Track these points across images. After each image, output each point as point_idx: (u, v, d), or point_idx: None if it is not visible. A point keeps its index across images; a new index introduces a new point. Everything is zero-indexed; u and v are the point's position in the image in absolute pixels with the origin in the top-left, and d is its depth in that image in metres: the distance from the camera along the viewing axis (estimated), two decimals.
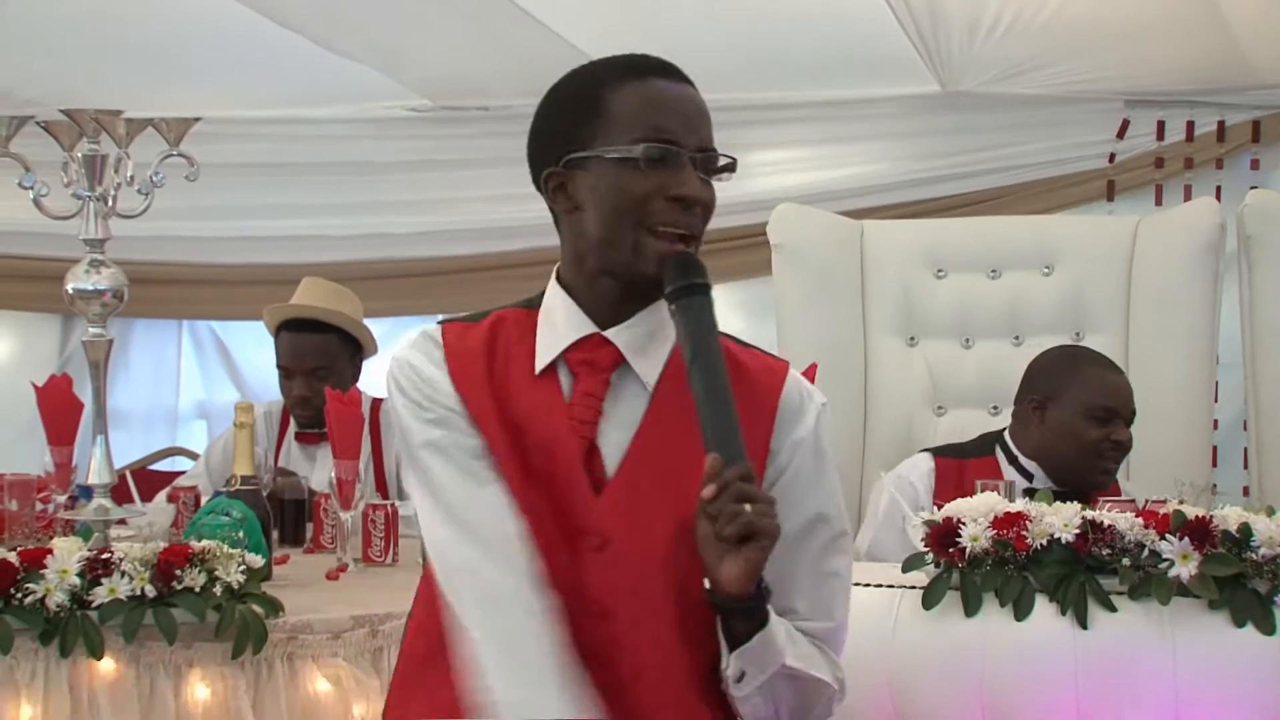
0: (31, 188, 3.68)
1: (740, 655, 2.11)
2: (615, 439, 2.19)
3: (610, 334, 2.21)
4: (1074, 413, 3.99)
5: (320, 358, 4.79)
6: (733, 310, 6.00)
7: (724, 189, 6.62)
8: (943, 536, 2.91)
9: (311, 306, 4.83)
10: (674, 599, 2.17)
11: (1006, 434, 4.19)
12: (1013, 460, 4.11)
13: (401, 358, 2.28)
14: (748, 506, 2.03)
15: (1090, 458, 3.97)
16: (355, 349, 4.86)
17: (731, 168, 2.24)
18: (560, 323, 2.23)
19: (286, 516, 4.35)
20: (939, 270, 4.76)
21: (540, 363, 2.23)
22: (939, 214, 5.68)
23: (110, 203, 3.75)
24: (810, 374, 3.38)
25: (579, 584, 2.16)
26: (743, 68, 5.68)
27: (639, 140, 2.17)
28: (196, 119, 3.92)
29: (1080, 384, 4.03)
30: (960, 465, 4.11)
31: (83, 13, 4.94)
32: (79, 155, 3.71)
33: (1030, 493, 3.13)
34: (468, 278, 6.23)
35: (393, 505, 4.05)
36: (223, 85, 5.79)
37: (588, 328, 2.22)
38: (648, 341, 2.22)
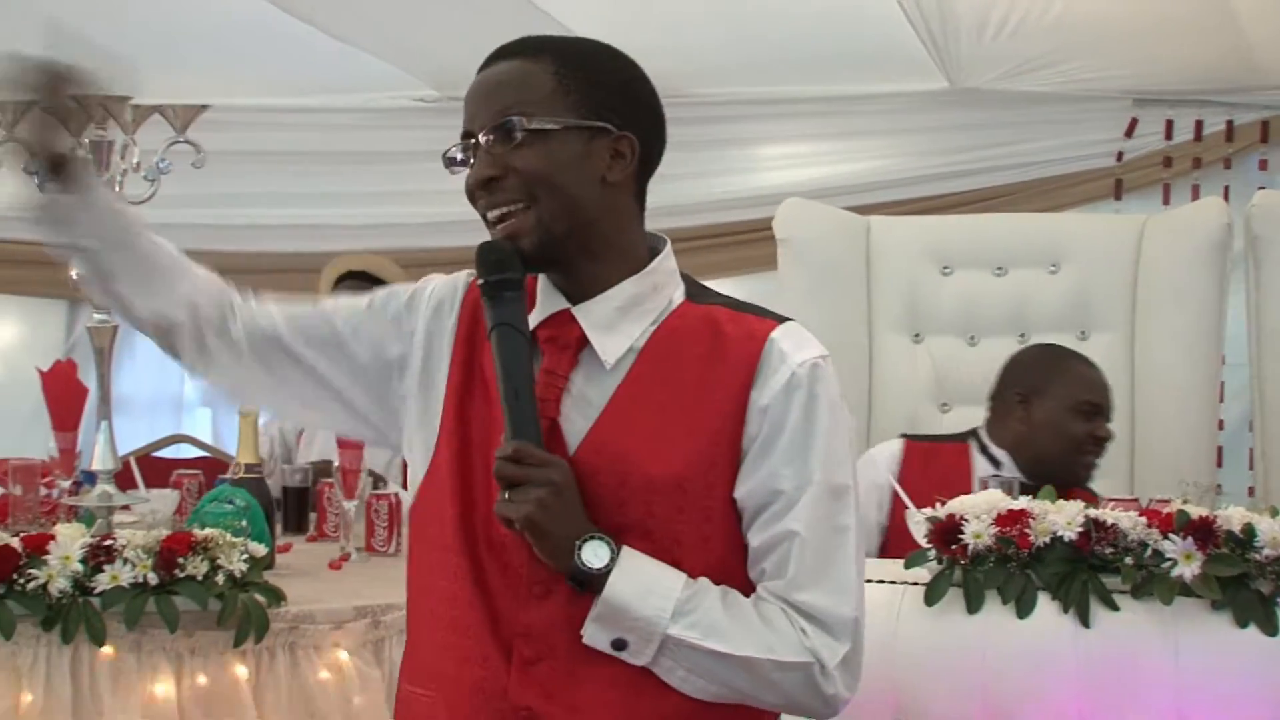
0: (37, 173, 3.68)
1: (593, 620, 2.01)
2: (578, 418, 2.09)
3: (578, 309, 2.12)
4: (1060, 407, 4.01)
5: None
6: None
7: (731, 183, 6.65)
8: (945, 533, 2.90)
9: (375, 259, 4.93)
10: None
11: (981, 426, 4.19)
12: (983, 450, 4.12)
13: (438, 276, 2.27)
14: (505, 493, 1.99)
15: (1073, 452, 3.99)
16: None
17: (506, 128, 2.05)
18: (537, 297, 2.16)
19: (289, 505, 4.35)
20: (945, 267, 4.75)
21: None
22: (946, 210, 5.68)
23: (117, 189, 3.75)
24: None
25: (524, 563, 2.06)
26: (751, 62, 5.69)
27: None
28: (204, 106, 3.92)
29: (1066, 379, 4.05)
30: (928, 449, 4.14)
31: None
32: (86, 141, 3.71)
33: (1027, 489, 3.12)
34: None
35: (396, 495, 4.05)
36: (231, 73, 5.79)
37: (558, 304, 2.13)
38: (618, 317, 2.11)
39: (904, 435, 4.26)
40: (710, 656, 2.01)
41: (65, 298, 6.48)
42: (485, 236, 6.35)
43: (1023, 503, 2.94)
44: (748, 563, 2.08)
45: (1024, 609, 2.85)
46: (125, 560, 3.13)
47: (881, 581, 2.95)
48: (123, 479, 3.68)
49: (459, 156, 2.12)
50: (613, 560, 1.99)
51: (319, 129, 6.21)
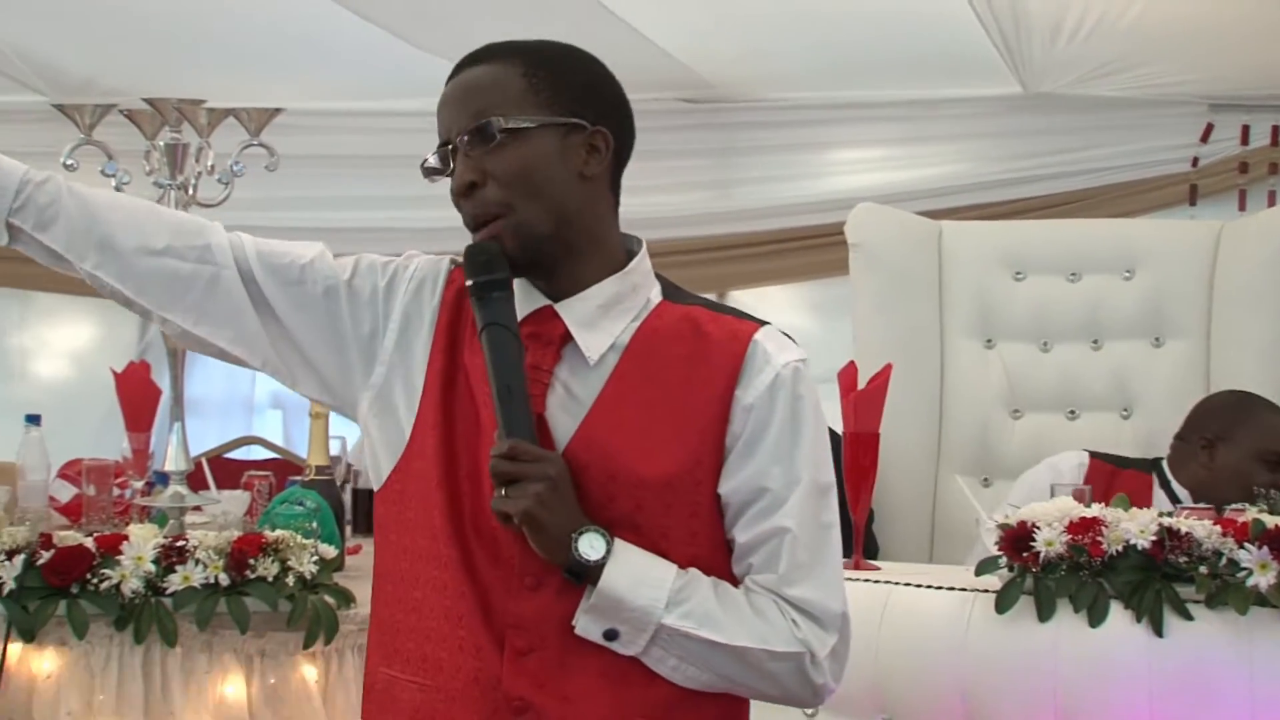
0: (114, 175, 3.71)
1: (585, 611, 2.04)
2: (564, 414, 2.11)
3: (561, 305, 2.14)
4: (1245, 456, 3.98)
5: None
6: (808, 310, 6.00)
7: (803, 187, 6.62)
8: (1017, 540, 2.89)
9: None
10: None
11: (1164, 461, 4.18)
12: (1165, 484, 4.11)
13: (421, 256, 2.27)
14: (503, 490, 2.01)
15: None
16: None
17: (483, 130, 2.08)
18: (518, 294, 2.15)
19: (359, 506, 4.37)
20: (1018, 272, 4.73)
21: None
22: (1019, 216, 5.64)
23: (190, 191, 3.78)
24: (885, 375, 3.36)
25: (515, 555, 2.08)
26: (824, 67, 5.67)
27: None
28: (278, 110, 3.95)
29: (1254, 428, 4.02)
30: (1112, 471, 4.12)
31: (165, 3, 4.97)
32: (161, 144, 3.75)
33: None
34: None
35: None
36: (304, 77, 5.82)
37: (539, 301, 2.15)
38: (600, 315, 2.13)
39: (1089, 450, 4.23)
40: (704, 645, 2.04)
41: None
42: None
43: (1095, 510, 2.92)
44: (733, 557, 2.11)
45: (1096, 618, 2.83)
46: (197, 561, 3.16)
47: (951, 589, 2.94)
48: (195, 480, 3.70)
49: (437, 165, 2.16)
50: (608, 552, 2.03)
51: (391, 133, 6.21)
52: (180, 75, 5.03)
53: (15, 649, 3.18)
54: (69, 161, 3.75)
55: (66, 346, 6.80)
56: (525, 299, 2.14)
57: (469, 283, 2.09)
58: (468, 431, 2.14)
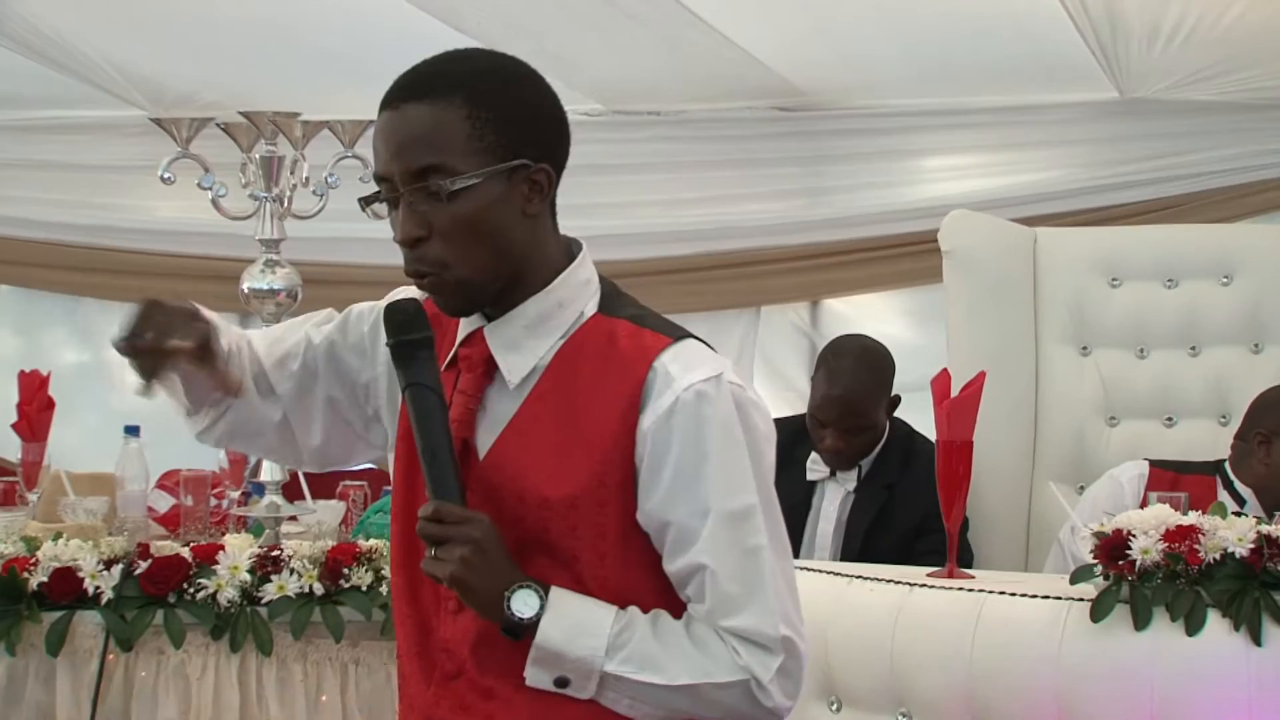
0: (210, 188, 3.76)
1: (531, 664, 2.03)
2: (489, 436, 2.10)
3: (488, 329, 2.12)
4: None
5: None
6: (901, 317, 5.96)
7: (895, 195, 6.60)
8: (1112, 548, 2.86)
9: None
10: None
11: (1226, 463, 4.15)
12: (1228, 485, 4.08)
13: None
14: (432, 550, 2.02)
15: None
16: None
17: (428, 188, 2.02)
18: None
19: None
20: (1114, 279, 4.69)
21: (445, 357, 2.17)
22: (1115, 222, 5.59)
23: (286, 203, 3.82)
24: (978, 383, 3.34)
25: (435, 588, 2.11)
26: (918, 74, 5.65)
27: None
28: (371, 122, 3.97)
29: None
30: (1174, 478, 4.08)
31: (261, 17, 5.03)
32: (256, 157, 3.79)
33: None
34: (638, 282, 6.21)
35: None
36: None
37: (477, 322, 2.13)
38: (524, 335, 2.10)
39: (1149, 459, 4.21)
40: (649, 687, 2.03)
41: (235, 311, 6.58)
42: (649, 251, 6.29)
43: (1192, 519, 2.89)
44: (674, 585, 2.08)
45: (1193, 626, 2.80)
46: (292, 570, 3.19)
47: (1047, 597, 2.91)
48: (290, 490, 3.73)
49: (376, 200, 2.11)
50: (542, 606, 2.01)
51: None
52: (276, 89, 5.08)
53: (113, 658, 3.22)
54: (166, 174, 3.80)
55: None
56: (467, 320, 2.15)
57: (389, 343, 2.09)
58: None
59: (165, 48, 5.56)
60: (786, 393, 6.04)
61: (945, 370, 3.45)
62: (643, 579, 2.08)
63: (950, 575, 3.17)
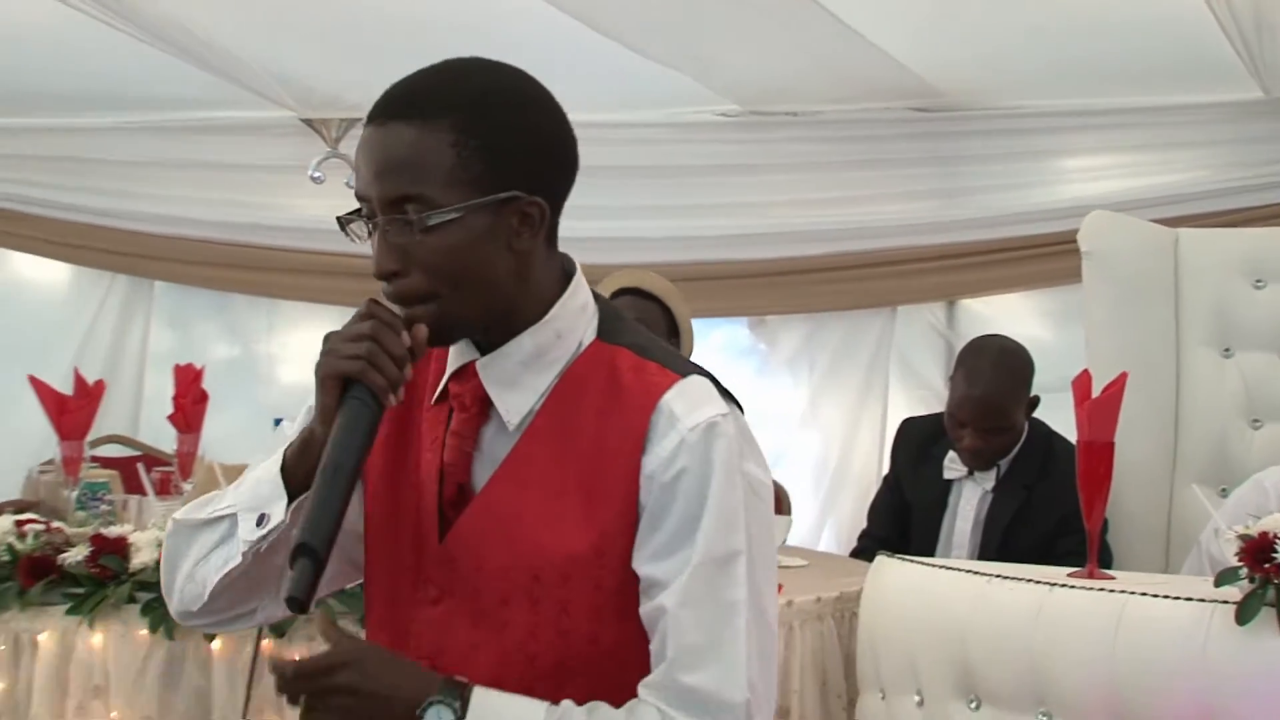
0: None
1: None
2: (485, 478, 1.96)
3: (480, 364, 1.96)
4: None
5: (641, 314, 4.95)
6: (1039, 317, 5.90)
7: (1033, 195, 6.55)
8: (1258, 551, 2.81)
9: (644, 275, 5.02)
10: (515, 662, 1.93)
11: None
12: None
13: None
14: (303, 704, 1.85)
15: None
16: (673, 330, 5.00)
17: (405, 218, 1.87)
18: (456, 346, 2.01)
19: None
20: (1258, 280, 4.61)
21: (433, 394, 2.04)
22: (1259, 223, 5.49)
23: None
24: (1119, 384, 3.30)
25: (412, 638, 1.99)
26: (1058, 74, 5.58)
27: None
28: None
29: None
30: None
31: (407, 18, 5.07)
32: None
33: None
34: (774, 282, 6.23)
35: None
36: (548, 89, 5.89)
37: (469, 355, 1.99)
38: (521, 371, 1.95)
39: None
40: None
41: None
42: (785, 251, 6.25)
43: None
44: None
45: None
46: None
47: (1190, 599, 2.87)
48: None
49: (355, 219, 1.95)
50: (463, 716, 1.83)
51: (626, 144, 6.26)
52: None
53: (267, 645, 3.26)
54: (316, 174, 3.84)
55: (311, 352, 6.96)
56: (458, 350, 2.00)
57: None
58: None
59: (314, 50, 5.63)
60: (922, 390, 6.03)
61: (1086, 371, 3.40)
62: (639, 634, 1.91)
63: (1091, 575, 3.13)
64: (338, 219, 1.95)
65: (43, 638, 3.31)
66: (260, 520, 1.97)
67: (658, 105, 6.17)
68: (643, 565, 1.89)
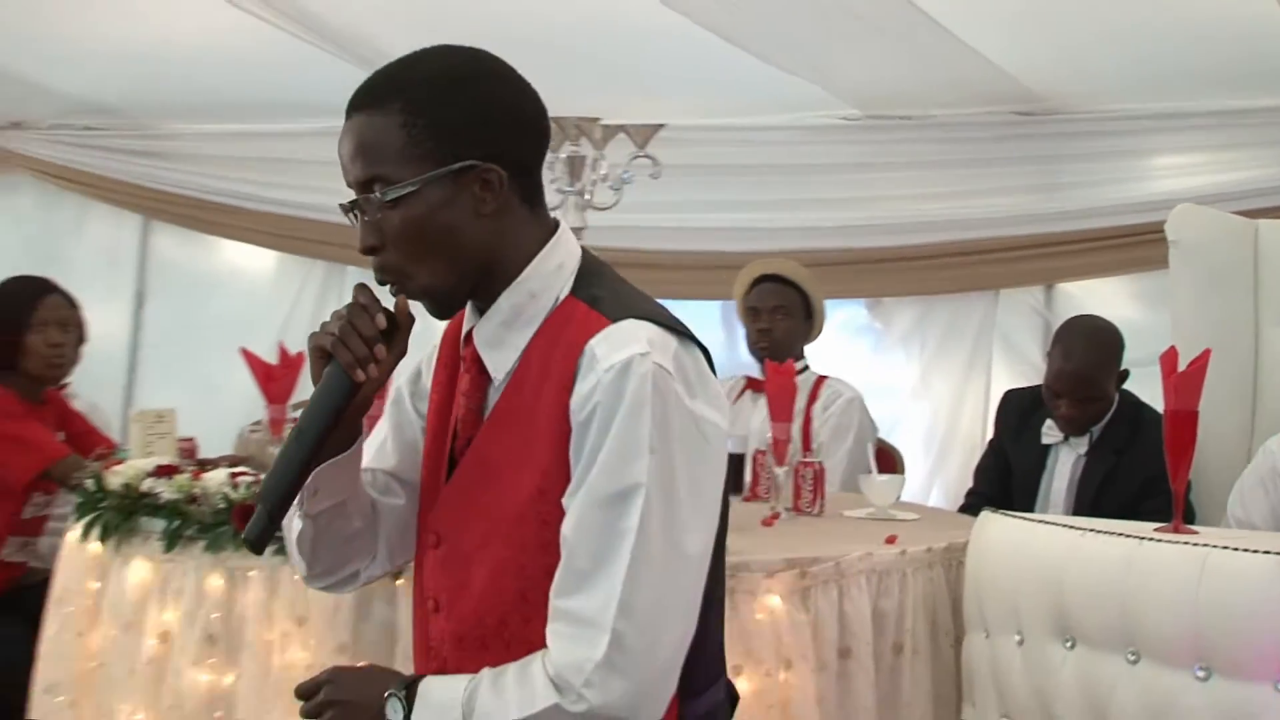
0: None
1: None
2: None
3: (475, 329, 1.96)
4: None
5: (782, 298, 4.98)
6: (1131, 299, 5.81)
7: (1125, 190, 6.45)
8: None
9: (783, 263, 5.03)
10: (488, 597, 1.94)
11: None
12: None
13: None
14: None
15: None
16: (809, 313, 5.00)
17: (369, 199, 1.87)
18: (468, 313, 2.01)
19: (729, 468, 4.39)
20: None
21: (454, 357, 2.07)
22: None
23: (587, 196, 3.88)
24: (1203, 359, 3.24)
25: (422, 582, 2.04)
26: (1146, 80, 5.49)
27: None
28: (660, 125, 4.01)
29: None
30: None
31: (570, 31, 5.08)
32: (563, 156, 3.85)
33: None
34: (889, 267, 6.20)
35: (820, 463, 4.06)
36: (682, 97, 5.90)
37: (474, 320, 1.99)
38: (504, 331, 1.93)
39: None
40: None
41: None
42: (899, 240, 6.19)
43: None
44: None
45: None
46: None
47: (1269, 552, 2.81)
48: None
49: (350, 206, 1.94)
50: (407, 707, 1.86)
51: (756, 145, 6.26)
52: (579, 96, 5.14)
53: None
54: None
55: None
56: (469, 317, 2.01)
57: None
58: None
59: None
60: (1022, 365, 5.98)
61: (1173, 348, 3.35)
62: None
63: (1176, 530, 3.08)
64: (340, 206, 1.95)
65: (253, 574, 3.37)
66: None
67: (787, 110, 6.15)
68: (565, 499, 1.85)
